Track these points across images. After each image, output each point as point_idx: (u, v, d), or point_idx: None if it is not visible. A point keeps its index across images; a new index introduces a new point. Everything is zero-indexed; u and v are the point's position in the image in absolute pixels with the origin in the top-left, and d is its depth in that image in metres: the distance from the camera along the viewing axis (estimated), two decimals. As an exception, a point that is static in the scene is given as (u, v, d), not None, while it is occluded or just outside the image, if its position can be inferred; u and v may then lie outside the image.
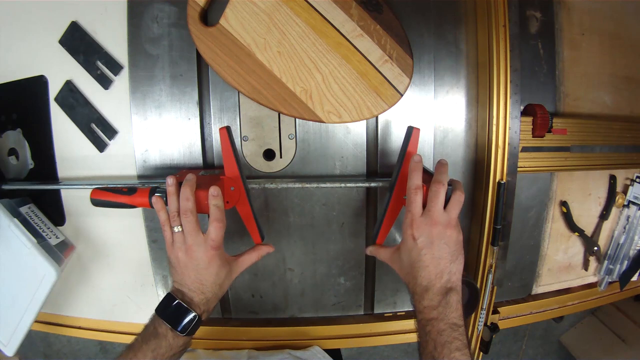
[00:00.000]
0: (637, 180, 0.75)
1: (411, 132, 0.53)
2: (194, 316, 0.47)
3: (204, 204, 0.50)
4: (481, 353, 0.72)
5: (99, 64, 0.61)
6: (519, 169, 0.61)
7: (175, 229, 0.49)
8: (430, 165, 0.64)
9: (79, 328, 0.72)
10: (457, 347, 0.44)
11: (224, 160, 0.52)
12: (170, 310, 0.47)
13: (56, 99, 0.62)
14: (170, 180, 0.49)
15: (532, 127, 0.63)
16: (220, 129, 0.51)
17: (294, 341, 0.70)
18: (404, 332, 0.71)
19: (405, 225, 0.50)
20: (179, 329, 0.46)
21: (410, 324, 0.71)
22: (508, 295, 0.75)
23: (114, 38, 0.60)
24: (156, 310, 0.48)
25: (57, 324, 0.72)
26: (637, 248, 0.77)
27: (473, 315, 0.67)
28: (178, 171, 0.60)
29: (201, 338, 0.69)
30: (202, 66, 0.60)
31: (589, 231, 0.76)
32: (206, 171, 0.59)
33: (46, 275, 0.60)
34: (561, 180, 0.71)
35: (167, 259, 0.51)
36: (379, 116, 0.61)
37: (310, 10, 0.55)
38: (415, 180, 0.50)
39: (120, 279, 0.69)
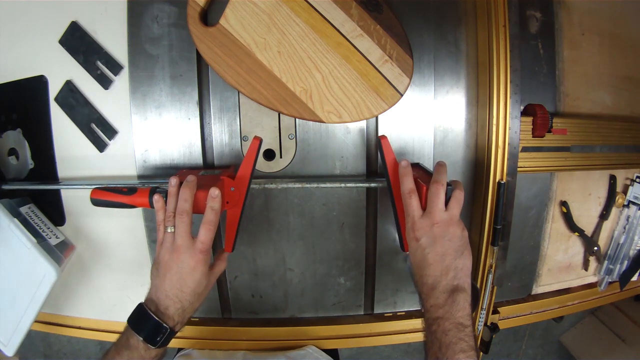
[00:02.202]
0: (637, 180, 0.75)
1: (380, 141, 0.54)
2: (166, 329, 0.46)
3: (202, 205, 0.50)
4: (481, 353, 0.72)
5: (99, 64, 0.61)
6: (519, 169, 0.61)
7: (168, 229, 0.48)
8: (430, 166, 0.64)
9: (79, 328, 0.71)
10: (462, 349, 0.43)
11: (243, 164, 0.53)
12: (142, 321, 0.46)
13: (56, 99, 0.62)
14: (173, 181, 0.49)
15: (532, 127, 0.63)
16: (256, 138, 0.52)
17: (294, 341, 0.70)
18: (404, 332, 0.71)
19: (407, 229, 0.50)
20: (150, 341, 0.45)
21: (410, 323, 0.71)
22: (508, 295, 0.75)
23: (114, 38, 0.60)
24: (128, 320, 0.47)
25: (57, 324, 0.72)
26: (637, 248, 0.77)
27: (473, 315, 0.67)
28: (178, 171, 0.60)
29: (201, 338, 0.69)
30: (202, 66, 0.60)
31: (589, 231, 0.76)
32: (206, 171, 0.59)
33: (46, 275, 0.60)
34: (561, 180, 0.71)
35: (153, 261, 0.50)
36: (379, 116, 0.61)
37: (310, 10, 0.55)
38: (407, 184, 0.50)
39: (121, 279, 0.69)
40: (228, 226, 0.55)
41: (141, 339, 0.45)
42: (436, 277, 0.47)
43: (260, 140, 0.53)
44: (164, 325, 0.46)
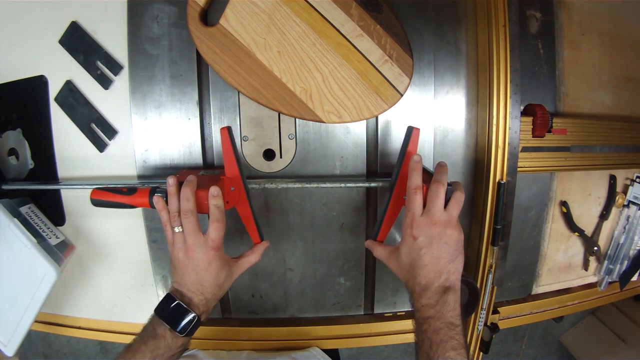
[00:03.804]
0: (637, 180, 0.75)
1: (411, 132, 0.53)
2: (193, 317, 0.47)
3: (204, 204, 0.50)
4: (481, 353, 0.72)
5: (99, 64, 0.61)
6: (519, 169, 0.61)
7: (176, 229, 0.49)
8: (430, 166, 0.64)
9: (79, 328, 0.72)
10: (453, 347, 0.44)
11: (225, 160, 0.53)
12: (169, 310, 0.47)
13: (56, 99, 0.62)
14: (171, 181, 0.49)
15: (532, 127, 0.63)
16: (222, 129, 0.52)
17: (294, 341, 0.70)
18: (404, 332, 0.71)
19: (405, 225, 0.50)
20: (178, 329, 0.46)
21: (410, 323, 0.71)
22: (508, 295, 0.75)
23: (114, 38, 0.60)
24: (155, 310, 0.48)
25: (57, 324, 0.72)
26: (637, 248, 0.77)
27: (473, 315, 0.67)
28: (178, 171, 0.60)
29: (201, 338, 0.69)
30: (202, 66, 0.60)
31: (589, 231, 0.76)
32: (206, 171, 0.59)
33: (46, 275, 0.59)
34: (561, 180, 0.71)
35: (169, 259, 0.51)
36: (379, 116, 0.61)
37: (310, 10, 0.55)
38: (415, 180, 0.50)
39: (120, 279, 0.69)
40: (245, 223, 0.55)
41: (169, 327, 0.46)
42: (430, 278, 0.47)
43: (228, 128, 0.52)
44: (193, 313, 0.47)
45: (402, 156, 0.54)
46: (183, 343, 0.48)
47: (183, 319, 0.47)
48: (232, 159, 0.52)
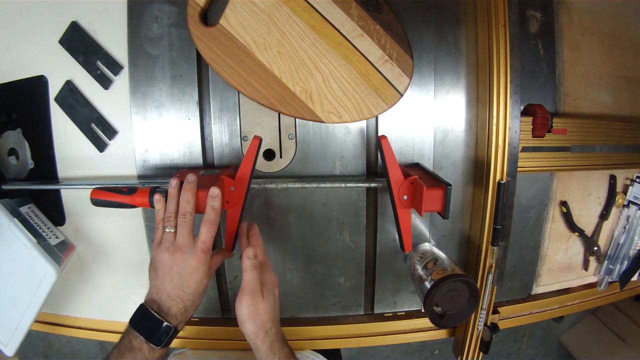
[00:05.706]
0: (637, 180, 0.75)
1: (380, 142, 0.55)
2: (169, 328, 0.46)
3: (202, 204, 0.50)
4: (481, 353, 0.72)
5: (99, 64, 0.61)
6: (519, 169, 0.61)
7: (167, 229, 0.48)
8: (430, 166, 0.64)
9: (79, 328, 0.71)
10: None
11: (243, 164, 0.53)
12: (145, 322, 0.46)
13: (56, 99, 0.62)
14: (174, 182, 0.49)
15: (532, 127, 0.63)
16: (255, 137, 0.53)
17: (294, 341, 0.70)
18: (404, 332, 0.71)
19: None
20: (155, 341, 0.45)
21: (410, 323, 0.71)
22: (508, 295, 0.75)
23: (114, 38, 0.60)
24: (130, 322, 0.47)
25: (57, 324, 0.72)
26: (637, 248, 0.77)
27: (473, 315, 0.67)
28: (178, 171, 0.60)
29: (201, 338, 0.69)
30: (202, 66, 0.60)
31: (589, 231, 0.76)
32: (206, 171, 0.59)
33: (46, 275, 0.60)
34: (561, 180, 0.71)
35: (150, 261, 0.50)
36: (379, 116, 0.61)
37: (310, 10, 0.55)
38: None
39: (120, 279, 0.69)
40: (228, 226, 0.55)
41: (145, 340, 0.45)
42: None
43: (260, 140, 0.53)
44: (168, 324, 0.46)
45: (384, 166, 0.55)
46: (161, 354, 0.47)
47: (159, 330, 0.45)
48: (250, 166, 0.53)
